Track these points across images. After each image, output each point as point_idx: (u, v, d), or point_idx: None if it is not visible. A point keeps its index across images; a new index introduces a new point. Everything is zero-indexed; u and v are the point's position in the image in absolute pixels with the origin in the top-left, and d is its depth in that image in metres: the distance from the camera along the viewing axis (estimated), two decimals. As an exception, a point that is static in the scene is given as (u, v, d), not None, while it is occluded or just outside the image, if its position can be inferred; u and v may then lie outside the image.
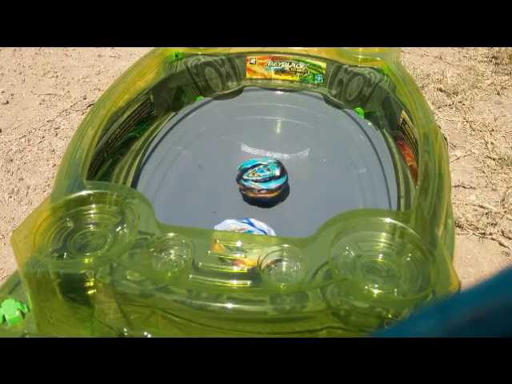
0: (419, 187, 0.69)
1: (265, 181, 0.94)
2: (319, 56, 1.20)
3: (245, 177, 0.96)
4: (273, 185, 0.94)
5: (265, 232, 0.82)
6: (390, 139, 1.07)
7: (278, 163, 0.98)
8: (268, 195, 0.95)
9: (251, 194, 0.96)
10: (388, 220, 0.62)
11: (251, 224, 0.83)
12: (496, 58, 2.14)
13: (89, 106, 1.79)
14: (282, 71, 1.25)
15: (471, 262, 1.20)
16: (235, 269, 0.59)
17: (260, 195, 0.95)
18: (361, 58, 1.13)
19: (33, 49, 2.18)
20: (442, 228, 0.65)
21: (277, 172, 0.95)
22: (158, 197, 0.96)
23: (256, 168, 0.97)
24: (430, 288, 0.53)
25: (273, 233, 0.83)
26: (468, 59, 2.18)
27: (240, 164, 1.00)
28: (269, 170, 0.96)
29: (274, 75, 1.26)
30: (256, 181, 0.94)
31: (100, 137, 0.85)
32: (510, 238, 1.25)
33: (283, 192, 0.98)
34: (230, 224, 0.84)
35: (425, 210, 0.64)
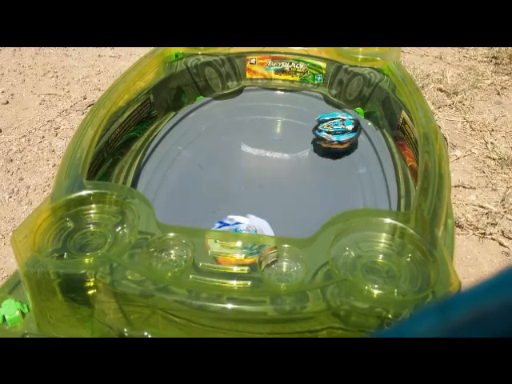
0: (419, 187, 0.69)
1: (336, 133, 1.03)
2: (319, 56, 1.20)
3: (320, 127, 1.06)
4: (343, 138, 1.03)
5: (255, 231, 0.83)
6: (390, 139, 1.07)
7: (355, 121, 1.06)
8: (338, 146, 1.05)
9: (323, 145, 1.07)
10: (388, 220, 0.62)
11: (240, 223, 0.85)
12: (496, 58, 2.14)
13: (89, 106, 1.79)
14: (282, 71, 1.25)
15: (471, 262, 1.20)
16: (235, 269, 0.59)
17: (331, 146, 1.05)
18: (361, 58, 1.13)
19: (33, 49, 2.18)
20: (442, 228, 0.65)
21: (349, 127, 1.04)
22: (158, 197, 0.96)
23: (332, 121, 1.06)
24: (430, 288, 0.53)
25: (266, 227, 0.84)
26: (468, 59, 2.18)
27: (319, 115, 1.10)
28: (343, 124, 1.05)
29: (274, 75, 1.26)
30: (329, 132, 1.04)
31: (100, 137, 0.85)
32: (510, 238, 1.25)
33: (352, 146, 1.09)
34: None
35: (425, 211, 0.64)
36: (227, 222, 0.85)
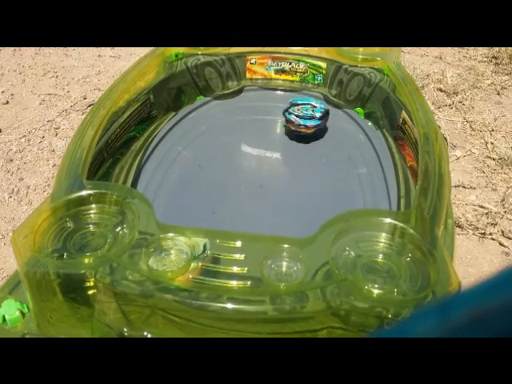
0: (419, 187, 0.69)
1: (304, 118, 1.08)
2: (319, 56, 1.20)
3: (290, 110, 1.11)
4: (309, 123, 1.09)
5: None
6: (390, 139, 1.06)
7: (325, 111, 1.11)
8: (305, 130, 1.10)
9: (291, 127, 1.11)
10: (388, 220, 0.62)
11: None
12: (496, 58, 2.14)
13: (89, 106, 1.79)
14: (282, 71, 1.25)
15: (471, 262, 1.20)
16: (235, 269, 0.59)
17: (298, 129, 1.10)
18: (361, 58, 1.13)
19: (33, 49, 2.18)
20: (442, 228, 0.65)
21: (317, 115, 1.09)
22: (158, 197, 0.96)
23: (303, 106, 1.12)
24: (430, 288, 0.53)
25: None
26: (468, 59, 2.18)
27: (293, 98, 1.15)
28: (313, 111, 1.10)
29: (274, 75, 1.26)
30: (297, 116, 1.09)
31: (100, 137, 0.85)
32: (510, 238, 1.25)
33: (321, 132, 1.14)
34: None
35: (425, 210, 0.64)
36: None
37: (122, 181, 0.95)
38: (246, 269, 0.58)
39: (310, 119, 1.09)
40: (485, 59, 2.16)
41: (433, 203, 0.66)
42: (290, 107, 1.12)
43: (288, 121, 1.11)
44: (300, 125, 1.09)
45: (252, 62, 1.24)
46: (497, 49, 2.16)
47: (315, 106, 1.12)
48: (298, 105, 1.12)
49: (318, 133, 1.13)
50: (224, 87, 1.24)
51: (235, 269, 0.59)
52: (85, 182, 0.70)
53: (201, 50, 1.18)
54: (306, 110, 1.11)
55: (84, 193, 0.68)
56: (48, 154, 1.55)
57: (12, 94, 1.86)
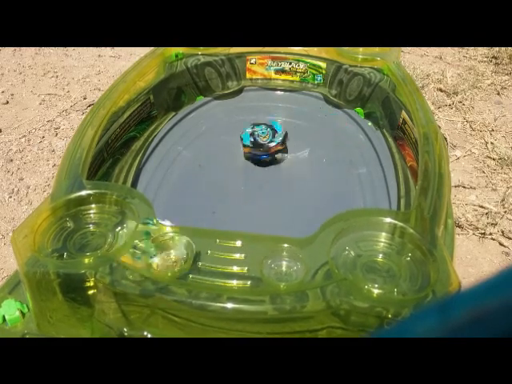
0: (419, 187, 0.69)
1: (262, 138, 1.04)
2: (319, 56, 1.20)
3: (246, 131, 1.05)
4: (271, 144, 1.04)
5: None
6: (390, 139, 1.06)
7: (283, 136, 1.06)
8: (263, 153, 1.04)
9: (246, 150, 1.05)
10: (388, 220, 0.62)
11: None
12: (496, 57, 2.14)
13: (89, 106, 1.79)
14: (282, 71, 1.25)
15: (471, 262, 1.20)
16: (235, 269, 0.59)
17: (258, 153, 1.04)
18: (361, 57, 1.13)
19: (33, 49, 2.18)
20: (442, 228, 0.65)
21: (277, 136, 1.05)
22: (158, 197, 0.96)
23: (258, 128, 1.06)
24: (429, 288, 0.53)
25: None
26: (468, 59, 2.18)
27: (250, 125, 1.09)
28: (270, 129, 1.06)
29: (274, 75, 1.26)
30: (252, 135, 1.04)
31: (100, 137, 0.85)
32: (510, 238, 1.25)
33: (280, 155, 1.08)
34: None
35: (425, 210, 0.64)
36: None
37: (122, 181, 0.95)
38: (246, 268, 0.58)
39: (269, 141, 1.03)
40: (485, 59, 2.16)
41: (433, 203, 0.66)
42: (243, 131, 1.06)
43: (244, 145, 1.05)
44: (257, 145, 1.03)
45: (252, 62, 1.24)
46: (497, 49, 2.16)
47: (271, 125, 1.06)
48: (253, 126, 1.07)
49: (276, 156, 1.06)
50: (224, 87, 1.24)
51: (235, 268, 0.59)
52: (85, 181, 0.70)
53: (201, 50, 1.18)
54: (261, 128, 1.06)
55: (84, 193, 0.68)
56: (48, 154, 1.55)
57: (12, 94, 1.86)
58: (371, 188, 0.97)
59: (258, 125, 1.08)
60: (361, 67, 1.13)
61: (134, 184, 0.97)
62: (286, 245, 0.61)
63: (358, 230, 0.62)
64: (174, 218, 0.79)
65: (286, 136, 1.07)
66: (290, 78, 1.25)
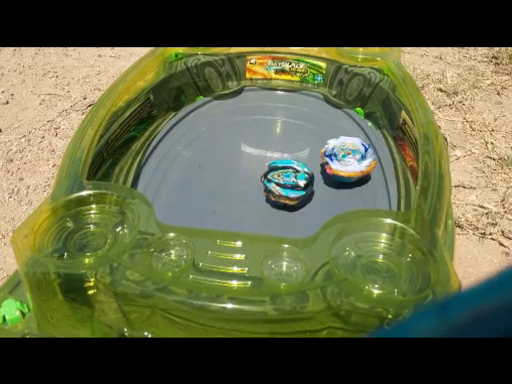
0: (419, 187, 0.69)
1: (286, 187, 0.89)
2: (319, 56, 1.20)
3: (269, 177, 0.92)
4: (292, 194, 0.89)
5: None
6: (389, 139, 1.07)
7: (310, 176, 0.92)
8: (287, 202, 0.91)
9: (272, 198, 0.92)
10: (388, 220, 0.63)
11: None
12: (496, 57, 2.14)
13: (89, 106, 1.79)
14: (282, 71, 1.25)
15: (471, 262, 1.20)
16: (235, 269, 0.59)
17: (279, 200, 0.91)
18: (361, 58, 1.13)
19: (33, 49, 2.18)
20: (442, 228, 0.65)
21: (301, 183, 0.90)
22: (158, 197, 0.96)
23: (284, 170, 0.92)
24: (430, 288, 0.53)
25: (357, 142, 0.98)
26: (468, 59, 2.18)
27: (273, 160, 0.96)
28: (295, 177, 0.91)
29: (274, 75, 1.26)
30: (278, 184, 0.90)
31: (100, 137, 0.85)
32: (510, 238, 1.25)
33: (305, 201, 0.94)
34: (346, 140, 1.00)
35: (425, 211, 0.64)
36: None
37: (122, 181, 0.95)
38: (247, 269, 0.58)
39: (292, 189, 0.89)
40: (485, 59, 2.16)
41: (433, 203, 0.66)
42: (268, 172, 0.93)
43: (267, 190, 0.91)
44: (281, 196, 0.89)
45: (252, 61, 1.24)
46: (497, 49, 2.16)
47: (298, 171, 0.92)
48: (277, 168, 0.93)
49: (303, 203, 0.93)
50: (224, 87, 1.24)
51: (235, 269, 0.59)
52: (85, 182, 0.70)
53: (201, 50, 1.18)
54: (288, 176, 0.91)
55: (84, 193, 0.68)
56: (48, 154, 1.55)
57: (12, 94, 1.86)
58: (371, 188, 0.97)
59: (278, 167, 0.94)
60: (361, 67, 1.13)
61: (134, 184, 0.97)
62: (286, 245, 0.61)
63: (359, 230, 0.62)
64: (173, 218, 0.79)
65: (312, 179, 0.93)
66: (290, 78, 1.25)
